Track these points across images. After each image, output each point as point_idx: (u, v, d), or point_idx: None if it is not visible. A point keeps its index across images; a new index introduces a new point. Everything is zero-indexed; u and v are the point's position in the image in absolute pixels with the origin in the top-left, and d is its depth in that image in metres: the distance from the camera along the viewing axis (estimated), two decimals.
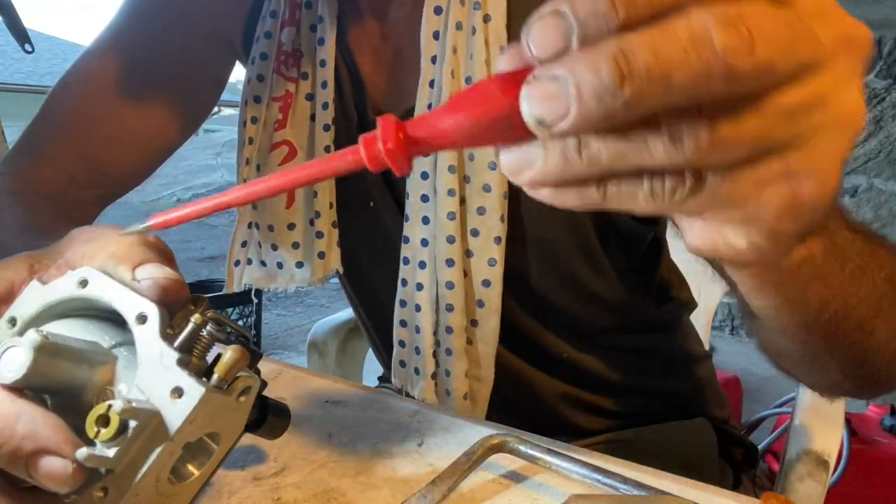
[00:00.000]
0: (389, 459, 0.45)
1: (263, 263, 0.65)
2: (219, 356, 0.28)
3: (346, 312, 1.02)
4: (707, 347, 0.90)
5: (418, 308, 0.59)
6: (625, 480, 0.40)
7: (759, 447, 0.81)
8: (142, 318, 0.27)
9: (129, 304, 0.28)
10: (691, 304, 0.74)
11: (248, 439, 0.34)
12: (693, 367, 0.73)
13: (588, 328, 0.65)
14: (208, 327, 0.28)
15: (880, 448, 1.48)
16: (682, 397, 0.70)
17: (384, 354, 0.75)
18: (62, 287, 0.29)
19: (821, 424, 0.65)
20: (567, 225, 0.58)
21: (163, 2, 0.65)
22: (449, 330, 0.58)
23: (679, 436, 0.68)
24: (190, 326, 0.28)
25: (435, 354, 0.60)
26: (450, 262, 0.56)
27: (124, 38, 0.64)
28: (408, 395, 0.64)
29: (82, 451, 0.25)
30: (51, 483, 0.25)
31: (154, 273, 0.29)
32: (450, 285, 0.57)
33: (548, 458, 0.42)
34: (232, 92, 0.70)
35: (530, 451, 0.43)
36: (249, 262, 0.66)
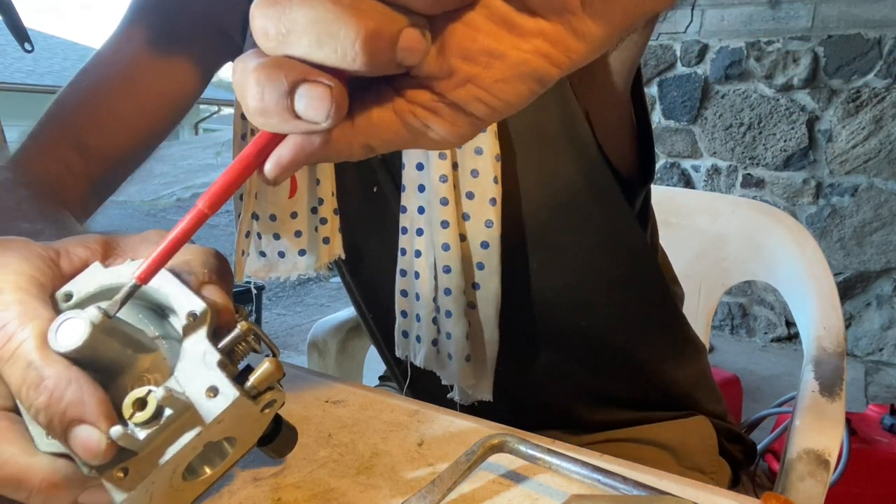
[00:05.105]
0: (389, 459, 0.45)
1: (262, 254, 0.66)
2: (248, 366, 0.30)
3: (346, 312, 1.02)
4: (707, 347, 0.90)
5: (417, 275, 0.60)
6: (625, 480, 0.40)
7: (759, 447, 0.81)
8: (192, 316, 0.29)
9: (183, 300, 0.29)
10: (682, 294, 0.76)
11: None
12: (690, 358, 0.73)
13: (596, 296, 0.64)
14: (250, 337, 0.30)
15: (880, 448, 1.49)
16: (679, 388, 0.70)
17: (384, 347, 0.75)
18: (122, 273, 0.30)
19: (821, 424, 0.65)
20: (584, 174, 0.58)
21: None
22: (447, 292, 0.59)
23: (679, 434, 0.68)
24: (235, 332, 0.29)
25: (435, 321, 0.61)
26: (444, 224, 0.57)
27: (126, 38, 0.65)
28: (412, 365, 0.65)
29: (117, 429, 0.26)
30: (82, 453, 0.26)
31: (214, 296, 0.30)
32: (445, 247, 0.58)
33: (548, 458, 0.42)
34: (231, 91, 0.70)
35: (530, 451, 0.43)
36: (250, 253, 0.66)
